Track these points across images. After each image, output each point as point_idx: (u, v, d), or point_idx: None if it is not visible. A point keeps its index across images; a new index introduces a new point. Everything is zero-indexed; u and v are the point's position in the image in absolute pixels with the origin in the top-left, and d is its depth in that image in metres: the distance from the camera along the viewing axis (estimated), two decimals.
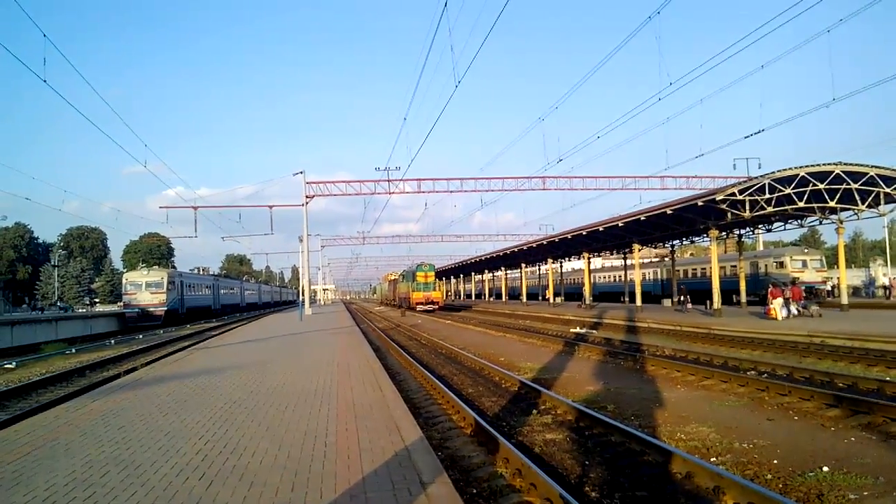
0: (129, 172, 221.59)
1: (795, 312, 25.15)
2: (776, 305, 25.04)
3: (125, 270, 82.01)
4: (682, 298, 36.01)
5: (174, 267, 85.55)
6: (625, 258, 48.68)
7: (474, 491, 6.51)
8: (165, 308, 47.25)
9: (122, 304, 51.63)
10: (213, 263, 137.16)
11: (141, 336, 36.79)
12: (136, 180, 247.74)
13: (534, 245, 47.89)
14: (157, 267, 61.49)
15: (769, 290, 26.79)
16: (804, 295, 27.75)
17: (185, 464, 6.10)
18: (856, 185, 25.00)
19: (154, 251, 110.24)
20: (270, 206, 46.22)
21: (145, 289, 47.43)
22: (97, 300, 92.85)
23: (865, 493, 6.07)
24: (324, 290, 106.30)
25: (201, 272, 66.77)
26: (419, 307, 54.73)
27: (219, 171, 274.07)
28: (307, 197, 42.11)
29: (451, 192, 44.45)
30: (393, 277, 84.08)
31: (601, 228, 34.33)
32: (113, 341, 32.86)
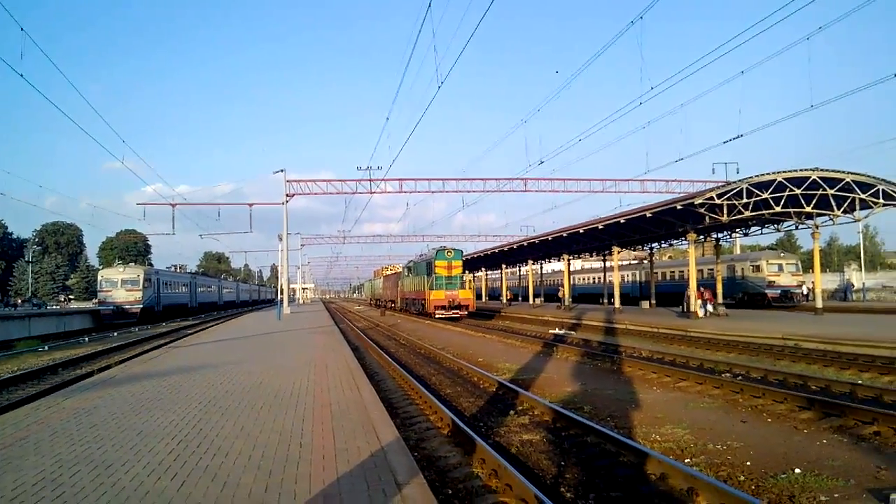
0: (107, 169, 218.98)
1: (711, 311, 29.29)
2: (696, 306, 29.06)
3: (101, 267, 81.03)
4: (609, 300, 39.35)
5: (151, 264, 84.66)
6: (604, 260, 48.97)
7: (450, 492, 6.50)
8: (141, 306, 46.68)
9: (97, 301, 50.94)
10: (190, 261, 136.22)
11: (116, 334, 36.30)
12: (114, 177, 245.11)
13: (514, 246, 48.05)
14: (133, 264, 60.73)
15: (688, 293, 30.40)
16: (714, 298, 32.08)
17: (158, 463, 6.02)
18: (832, 191, 25.38)
19: (131, 248, 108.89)
20: (250, 205, 45.98)
21: (121, 286, 46.81)
22: (72, 297, 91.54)
23: (836, 495, 6.15)
24: (303, 289, 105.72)
25: (178, 270, 66.09)
26: (439, 313, 37.87)
27: (198, 169, 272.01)
28: (287, 195, 41.90)
29: (433, 192, 44.55)
30: (391, 272, 66.06)
31: (581, 230, 34.52)
32: (87, 339, 32.39)
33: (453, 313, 37.88)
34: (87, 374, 16.47)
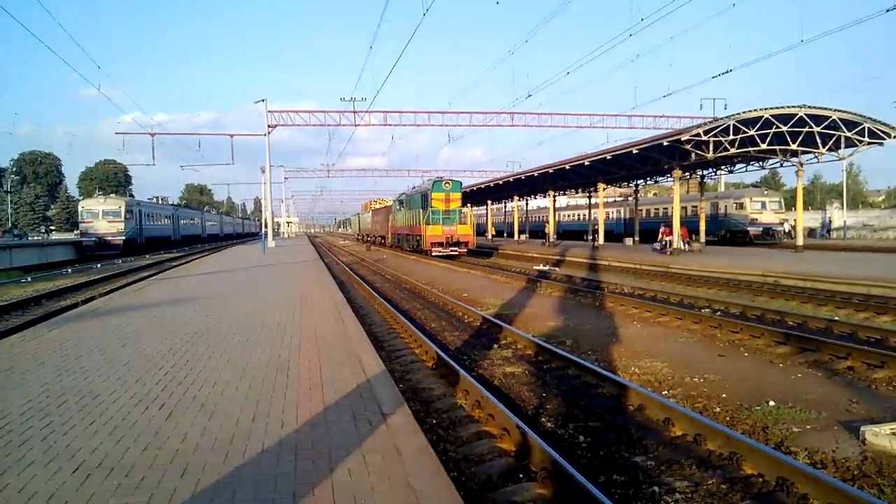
0: (83, 96, 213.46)
1: (685, 247, 29.85)
2: (678, 242, 29.82)
3: (81, 198, 79.94)
4: (593, 237, 39.73)
5: (132, 195, 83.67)
6: (589, 197, 49.00)
7: (434, 421, 6.65)
8: (124, 237, 46.37)
9: (78, 232, 50.51)
10: (172, 193, 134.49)
11: (99, 265, 36.13)
12: (90, 104, 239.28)
13: (500, 182, 47.84)
14: (114, 195, 59.96)
15: (662, 229, 31.70)
16: (688, 234, 32.66)
17: (145, 394, 6.09)
18: (818, 129, 25.32)
19: (111, 179, 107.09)
20: (231, 135, 45.14)
21: (102, 217, 46.37)
22: (53, 228, 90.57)
23: (808, 427, 6.36)
24: (287, 222, 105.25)
25: (160, 201, 65.37)
26: (436, 250, 34.56)
27: (177, 97, 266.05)
28: (269, 126, 41.15)
29: (418, 125, 43.82)
30: (380, 205, 60.81)
31: (567, 166, 34.37)
32: (70, 270, 32.25)
33: (451, 251, 34.60)
34: (72, 305, 16.45)
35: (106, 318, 11.28)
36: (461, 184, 38.13)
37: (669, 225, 31.82)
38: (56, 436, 4.91)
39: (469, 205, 60.46)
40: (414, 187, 44.90)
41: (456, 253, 34.72)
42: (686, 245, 30.55)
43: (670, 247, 29.68)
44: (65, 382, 6.58)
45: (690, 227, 38.87)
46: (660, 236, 31.78)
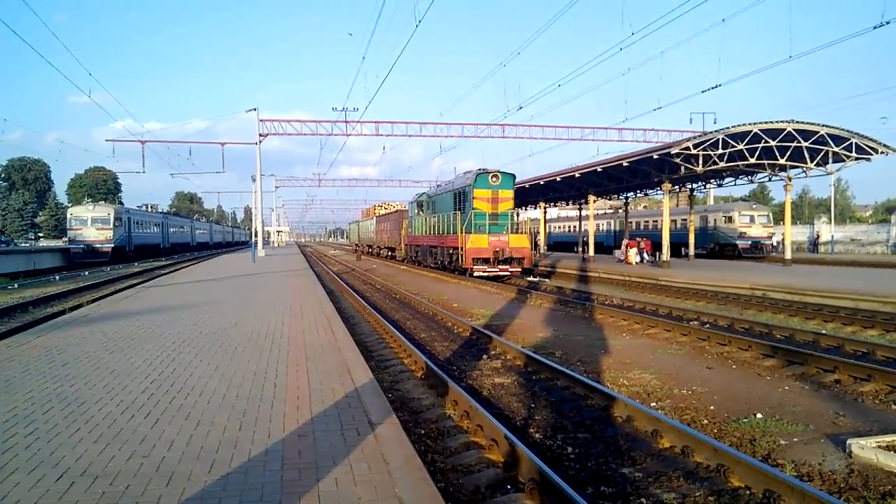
0: (74, 103, 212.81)
1: (648, 260, 31.11)
2: (631, 254, 31.13)
3: (70, 205, 79.46)
4: (583, 248, 41.24)
5: (121, 203, 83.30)
6: (580, 209, 49.11)
7: (422, 432, 6.63)
8: (112, 245, 46.11)
9: (66, 239, 50.21)
10: (161, 201, 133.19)
11: (87, 273, 35.90)
12: (81, 111, 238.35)
13: None
14: (103, 202, 59.66)
15: (626, 242, 32.77)
16: (652, 248, 33.99)
17: (131, 402, 6.04)
18: (806, 144, 25.53)
19: (100, 186, 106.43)
20: (222, 144, 44.93)
21: (91, 224, 46.13)
22: (41, 235, 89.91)
23: (795, 440, 6.38)
24: (278, 231, 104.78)
25: (150, 209, 65.07)
26: (479, 269, 25.70)
27: (168, 105, 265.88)
28: (261, 135, 41.06)
29: (410, 136, 43.75)
30: (388, 210, 51.00)
31: (558, 178, 34.46)
32: (58, 277, 32.02)
33: (501, 269, 25.91)
34: (59, 312, 16.33)
35: (93, 326, 11.19)
36: (514, 178, 27.97)
37: (633, 238, 32.77)
38: (40, 443, 4.86)
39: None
40: (438, 184, 36.84)
41: (507, 272, 26.34)
42: (648, 257, 31.51)
43: (652, 258, 30.13)
44: (50, 389, 6.52)
45: (680, 239, 39.15)
46: (623, 247, 32.14)
